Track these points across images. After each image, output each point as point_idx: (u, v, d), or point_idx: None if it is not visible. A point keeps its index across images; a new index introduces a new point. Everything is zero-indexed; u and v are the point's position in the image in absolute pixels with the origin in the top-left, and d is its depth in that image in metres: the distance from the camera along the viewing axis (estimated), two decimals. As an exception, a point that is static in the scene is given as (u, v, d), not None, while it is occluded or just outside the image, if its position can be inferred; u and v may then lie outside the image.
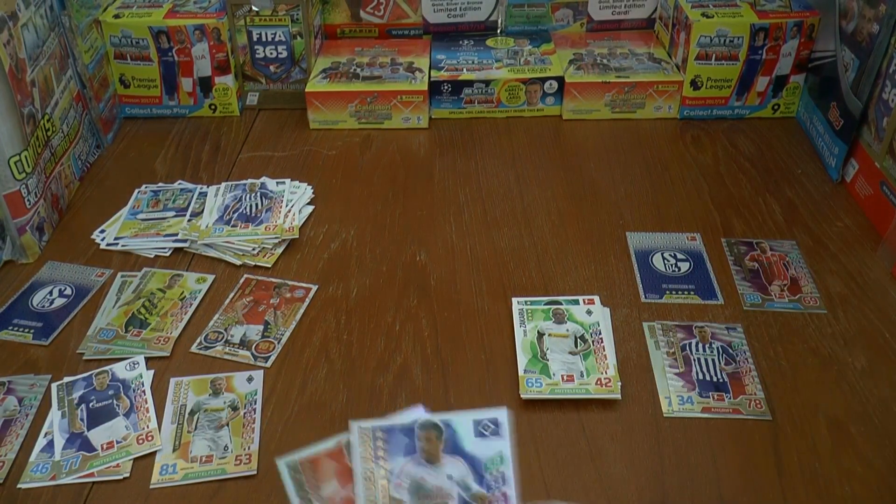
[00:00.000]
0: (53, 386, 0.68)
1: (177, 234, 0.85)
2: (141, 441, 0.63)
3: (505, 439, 0.44)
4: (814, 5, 1.01)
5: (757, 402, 0.66)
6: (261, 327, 0.74)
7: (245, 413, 0.66)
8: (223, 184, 0.93)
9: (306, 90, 1.04)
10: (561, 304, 0.75)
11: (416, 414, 0.45)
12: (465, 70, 1.07)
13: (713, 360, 0.69)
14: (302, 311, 0.76)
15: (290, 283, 0.79)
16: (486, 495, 0.43)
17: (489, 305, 0.76)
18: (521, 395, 0.66)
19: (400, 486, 0.42)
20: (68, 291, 0.79)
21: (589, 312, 0.74)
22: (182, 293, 0.78)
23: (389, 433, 0.44)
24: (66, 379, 0.69)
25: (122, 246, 0.85)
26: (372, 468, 0.42)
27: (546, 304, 0.75)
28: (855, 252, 0.82)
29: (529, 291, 0.77)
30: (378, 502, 0.41)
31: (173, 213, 0.89)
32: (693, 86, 1.04)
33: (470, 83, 1.05)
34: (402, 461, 0.43)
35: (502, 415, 0.46)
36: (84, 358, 0.71)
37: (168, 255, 0.84)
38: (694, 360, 0.69)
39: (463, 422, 0.45)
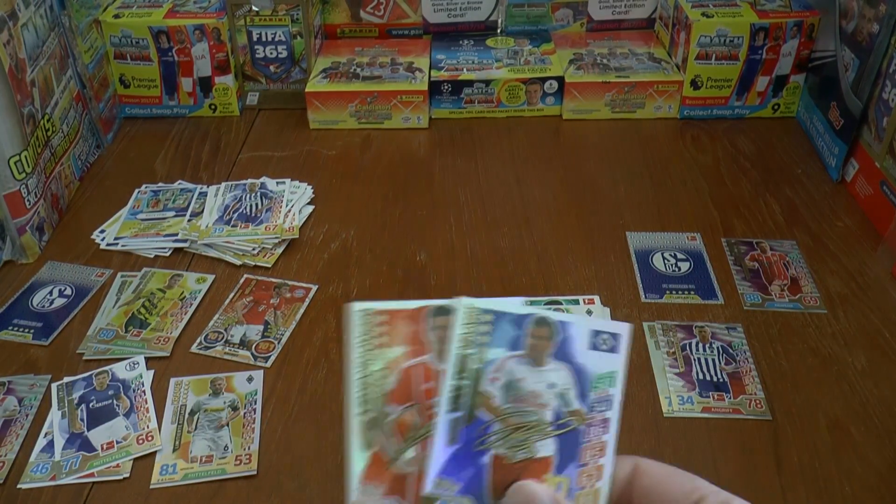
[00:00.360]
0: (53, 386, 0.68)
1: (177, 234, 0.85)
2: (141, 441, 0.63)
3: (621, 358, 0.38)
4: (814, 5, 1.01)
5: (757, 402, 0.66)
6: (261, 327, 0.74)
7: (245, 413, 0.66)
8: (223, 184, 0.93)
9: (306, 90, 1.04)
10: (561, 304, 0.75)
11: (529, 307, 0.38)
12: (465, 70, 1.07)
13: (713, 360, 0.69)
14: (302, 311, 0.76)
15: (290, 283, 0.79)
16: (585, 416, 0.37)
17: (489, 305, 0.76)
18: (521, 395, 0.66)
19: (495, 380, 0.37)
20: (68, 291, 0.79)
21: (589, 312, 0.74)
22: (182, 293, 0.78)
23: (498, 320, 0.38)
24: (66, 379, 0.69)
25: (122, 246, 0.85)
26: (468, 353, 0.37)
27: (546, 304, 0.75)
28: (855, 252, 0.82)
29: (529, 291, 0.77)
30: (464, 391, 0.37)
31: (173, 213, 0.89)
32: (693, 86, 1.04)
33: (470, 83, 1.05)
34: (502, 354, 0.38)
35: (625, 331, 0.38)
36: (84, 358, 0.71)
37: (168, 255, 0.84)
38: (694, 360, 0.69)
39: (581, 328, 0.38)
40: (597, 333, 0.38)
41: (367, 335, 0.37)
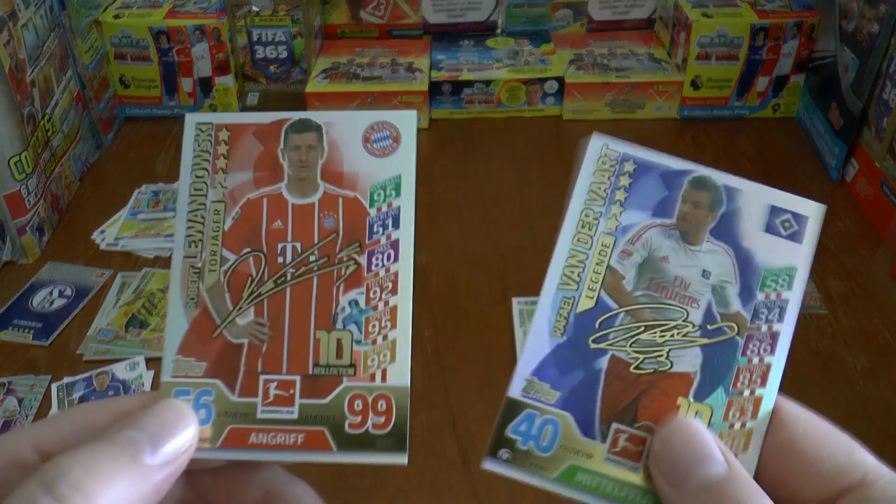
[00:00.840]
0: (53, 386, 0.68)
1: (177, 235, 0.85)
2: (141, 441, 0.63)
3: (805, 251, 0.27)
4: (814, 5, 1.01)
5: (757, 402, 0.65)
6: (261, 327, 0.74)
7: (245, 413, 0.66)
8: (223, 184, 0.93)
9: (306, 90, 1.04)
10: (561, 304, 0.74)
11: (686, 163, 0.29)
12: (465, 70, 1.07)
13: (713, 361, 0.69)
14: (302, 311, 0.76)
15: (290, 283, 0.79)
16: (748, 324, 0.27)
17: (489, 306, 0.76)
18: (522, 396, 0.65)
19: (628, 255, 0.27)
20: (68, 292, 0.79)
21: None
22: (182, 293, 0.78)
23: (641, 172, 0.29)
24: (66, 379, 0.69)
25: (123, 246, 0.85)
26: (594, 210, 0.29)
27: (546, 304, 0.75)
28: (855, 252, 0.82)
29: (529, 292, 0.77)
30: (583, 262, 0.27)
31: (173, 214, 0.89)
32: (693, 86, 1.04)
33: (470, 83, 1.05)
34: (643, 220, 0.28)
35: (816, 214, 0.29)
36: (84, 358, 0.71)
37: (168, 255, 0.84)
38: (694, 360, 0.69)
39: (755, 201, 0.28)
40: (776, 211, 0.28)
41: (202, 155, 0.29)
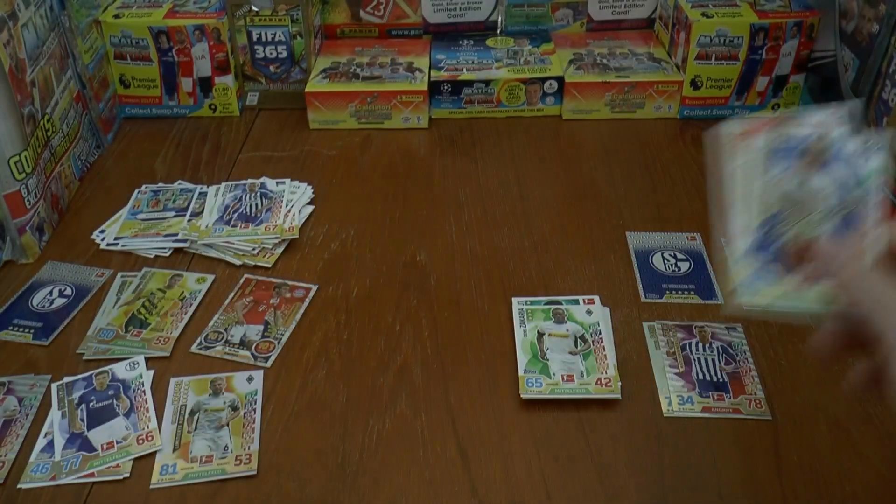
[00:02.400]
0: (53, 386, 0.68)
1: (177, 234, 0.85)
2: (141, 441, 0.63)
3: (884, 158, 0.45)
4: (814, 5, 1.01)
5: (757, 402, 0.66)
6: (261, 327, 0.74)
7: (245, 413, 0.66)
8: (223, 184, 0.93)
9: (306, 90, 1.04)
10: (561, 304, 0.75)
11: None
12: (465, 70, 1.07)
13: (713, 360, 0.69)
14: (302, 311, 0.76)
15: (290, 283, 0.79)
16: (868, 198, 0.43)
17: (489, 305, 0.76)
18: (521, 395, 0.66)
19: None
20: (68, 291, 0.79)
21: (589, 312, 0.74)
22: (182, 293, 0.78)
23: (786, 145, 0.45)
24: (66, 379, 0.69)
25: (122, 246, 0.85)
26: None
27: (546, 304, 0.75)
28: (855, 252, 0.82)
29: (529, 291, 0.77)
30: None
31: (173, 213, 0.89)
32: (693, 86, 1.04)
33: (470, 83, 1.05)
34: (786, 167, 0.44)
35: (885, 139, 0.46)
36: (84, 358, 0.71)
37: (168, 255, 0.84)
38: (694, 359, 0.69)
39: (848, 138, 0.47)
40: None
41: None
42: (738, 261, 0.43)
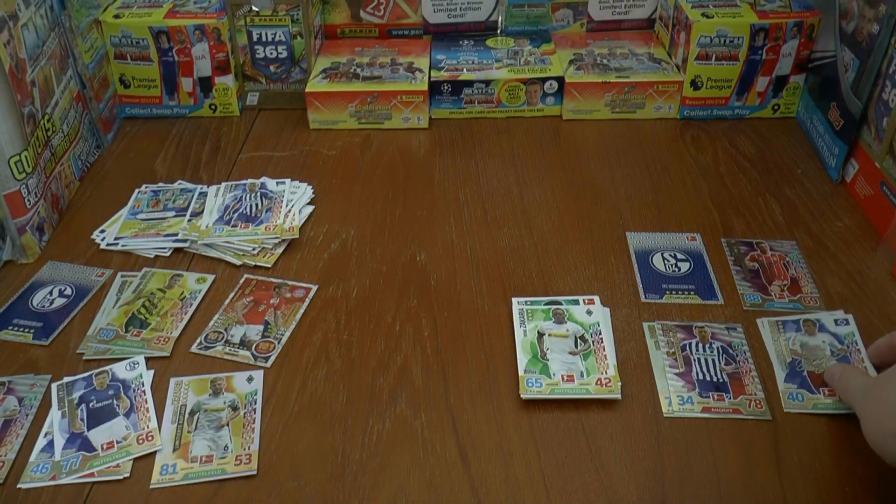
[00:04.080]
0: (53, 386, 0.68)
1: (177, 234, 0.85)
2: (141, 441, 0.63)
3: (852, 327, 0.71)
4: (814, 5, 1.01)
5: (757, 402, 0.66)
6: (261, 327, 0.74)
7: (245, 413, 0.66)
8: (223, 184, 0.93)
9: (306, 90, 1.04)
10: (561, 304, 0.75)
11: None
12: (465, 70, 1.07)
13: (713, 360, 0.69)
14: (302, 311, 0.76)
15: (290, 283, 0.79)
16: (845, 349, 0.69)
17: (489, 305, 0.76)
18: (521, 395, 0.66)
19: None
20: (68, 291, 0.79)
21: (589, 312, 0.74)
22: (182, 293, 0.78)
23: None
24: (66, 379, 0.69)
25: (122, 246, 0.85)
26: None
27: (546, 304, 0.75)
28: (855, 252, 0.82)
29: (529, 291, 0.77)
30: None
31: (173, 213, 0.89)
32: (693, 86, 1.04)
33: (470, 83, 1.05)
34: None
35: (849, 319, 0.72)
36: (84, 358, 0.71)
37: (168, 255, 0.84)
38: (694, 360, 0.69)
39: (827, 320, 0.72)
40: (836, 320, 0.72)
41: None
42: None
